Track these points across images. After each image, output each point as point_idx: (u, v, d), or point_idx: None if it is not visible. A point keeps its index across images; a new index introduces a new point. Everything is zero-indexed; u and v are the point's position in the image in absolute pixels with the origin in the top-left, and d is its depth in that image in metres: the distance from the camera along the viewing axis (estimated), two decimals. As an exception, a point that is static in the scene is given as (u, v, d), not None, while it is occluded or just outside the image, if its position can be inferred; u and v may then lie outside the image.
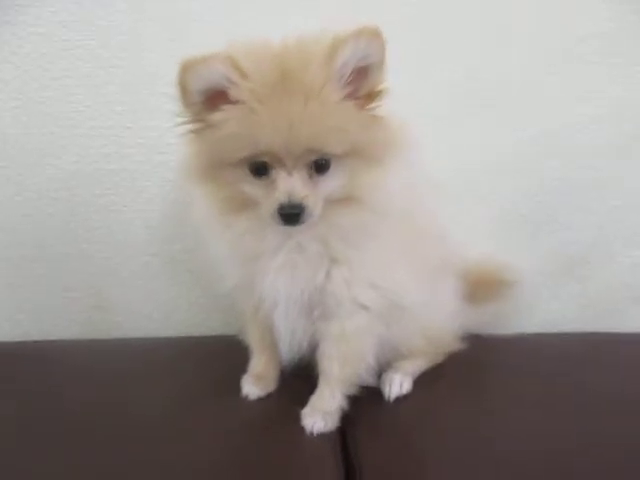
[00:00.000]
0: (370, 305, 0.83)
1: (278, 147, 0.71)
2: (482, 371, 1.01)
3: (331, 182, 0.76)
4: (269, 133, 0.71)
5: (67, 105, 1.07)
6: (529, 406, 0.88)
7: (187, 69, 0.71)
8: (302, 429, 0.83)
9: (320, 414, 0.84)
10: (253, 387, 0.91)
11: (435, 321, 0.96)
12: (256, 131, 0.71)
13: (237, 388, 0.92)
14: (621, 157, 1.15)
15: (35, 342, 1.12)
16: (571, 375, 0.98)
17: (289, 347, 0.88)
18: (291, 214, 0.73)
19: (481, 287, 1.09)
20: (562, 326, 1.21)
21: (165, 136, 1.07)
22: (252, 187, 0.75)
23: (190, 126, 0.76)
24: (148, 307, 1.17)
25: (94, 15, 1.05)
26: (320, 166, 0.75)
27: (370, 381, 0.89)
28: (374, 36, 0.71)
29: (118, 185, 1.10)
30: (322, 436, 0.82)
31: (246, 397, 0.90)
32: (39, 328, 1.15)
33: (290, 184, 0.73)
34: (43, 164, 1.09)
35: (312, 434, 0.82)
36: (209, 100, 0.73)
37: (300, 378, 0.92)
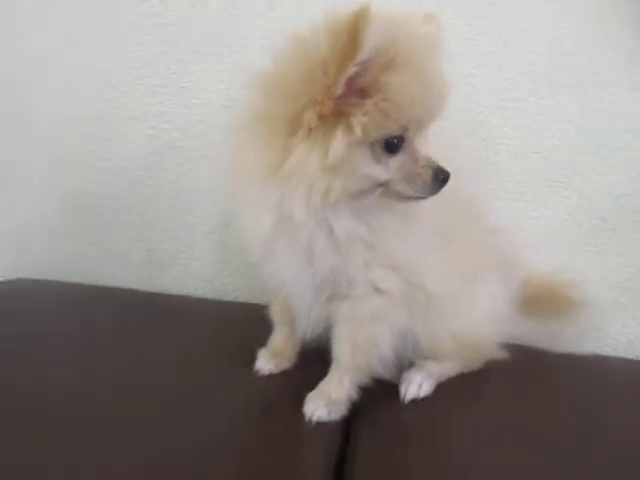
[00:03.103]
0: (388, 289, 0.76)
1: (428, 111, 0.68)
2: (521, 388, 0.89)
3: None
4: (430, 95, 0.66)
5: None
6: (565, 438, 0.77)
7: (367, 18, 0.58)
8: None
9: (324, 401, 0.78)
10: (267, 363, 0.88)
11: (470, 322, 0.87)
12: (422, 94, 0.65)
13: (254, 360, 0.89)
14: None
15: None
16: (627, 408, 0.85)
17: (305, 326, 0.83)
18: (447, 178, 0.69)
19: (541, 301, 0.97)
20: (640, 352, 1.05)
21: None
22: (381, 167, 0.67)
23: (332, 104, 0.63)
24: (196, 266, 1.18)
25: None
26: None
27: (386, 375, 0.82)
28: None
29: (171, 145, 1.10)
30: (323, 426, 0.77)
31: (257, 372, 0.87)
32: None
33: (427, 151, 0.69)
34: (104, 117, 1.12)
35: (311, 422, 0.77)
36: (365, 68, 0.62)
37: (320, 360, 0.85)
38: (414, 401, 0.82)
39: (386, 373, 0.82)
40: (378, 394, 0.81)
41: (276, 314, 0.91)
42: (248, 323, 1.01)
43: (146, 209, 1.16)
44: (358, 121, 0.63)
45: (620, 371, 0.99)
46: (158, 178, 1.13)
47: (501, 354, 0.91)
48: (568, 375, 0.95)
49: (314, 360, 0.86)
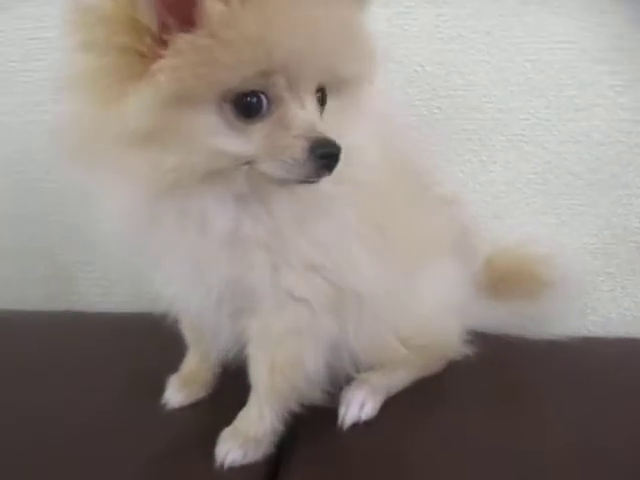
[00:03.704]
0: (307, 296, 0.60)
1: (299, 60, 0.49)
2: (492, 391, 0.73)
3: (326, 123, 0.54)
4: (292, 37, 0.48)
5: None
6: (554, 454, 0.61)
7: None
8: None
9: (240, 440, 0.63)
10: (176, 392, 0.72)
11: (421, 320, 0.71)
12: (274, 33, 0.47)
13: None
14: None
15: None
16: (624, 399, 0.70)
17: (217, 347, 0.68)
18: (332, 154, 0.50)
19: (509, 281, 0.82)
20: (633, 331, 0.89)
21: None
22: (236, 139, 0.50)
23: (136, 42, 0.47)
24: (109, 279, 1.01)
25: None
26: (320, 100, 0.54)
27: (318, 399, 0.66)
28: None
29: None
30: (240, 470, 0.61)
31: (165, 404, 0.71)
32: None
33: (308, 115, 0.51)
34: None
35: (223, 467, 0.61)
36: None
37: (244, 385, 0.68)
38: (356, 425, 0.67)
39: (318, 396, 0.66)
40: (312, 421, 0.65)
41: (187, 331, 0.75)
42: (170, 341, 0.85)
43: (49, 216, 0.99)
44: (165, 65, 0.46)
45: (612, 353, 0.83)
46: (57, 181, 0.95)
47: (465, 350, 0.76)
48: (551, 365, 0.79)
49: (236, 385, 0.69)
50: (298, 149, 0.50)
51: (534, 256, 0.82)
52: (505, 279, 0.82)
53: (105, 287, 1.02)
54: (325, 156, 0.50)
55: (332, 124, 0.54)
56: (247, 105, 0.49)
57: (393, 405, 0.70)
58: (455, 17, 0.80)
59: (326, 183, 0.54)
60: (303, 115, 0.51)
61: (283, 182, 0.52)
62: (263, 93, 0.49)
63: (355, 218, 0.60)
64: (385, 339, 0.69)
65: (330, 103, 0.55)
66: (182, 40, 0.46)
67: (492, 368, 0.77)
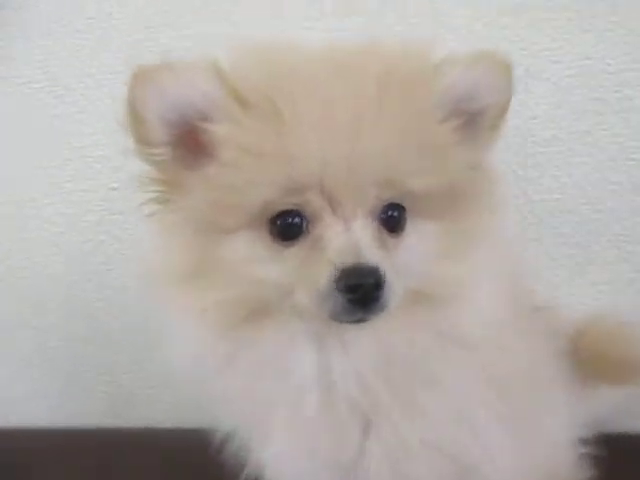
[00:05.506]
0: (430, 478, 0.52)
1: (332, 172, 0.41)
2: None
3: (409, 250, 0.46)
4: (316, 147, 0.41)
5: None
6: None
7: (142, 81, 0.42)
8: None
9: None
10: None
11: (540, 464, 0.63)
12: (294, 142, 0.41)
13: None
14: None
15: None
16: None
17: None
18: (365, 287, 0.40)
19: (601, 364, 0.73)
20: None
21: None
22: (274, 265, 0.44)
23: (153, 190, 0.46)
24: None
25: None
26: (392, 221, 0.45)
27: None
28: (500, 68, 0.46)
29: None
30: None
31: None
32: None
33: (352, 238, 0.42)
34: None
35: None
36: (183, 140, 0.44)
37: None
38: None
39: None
40: None
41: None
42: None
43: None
44: (184, 199, 0.44)
45: None
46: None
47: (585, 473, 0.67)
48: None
49: None
50: (323, 278, 0.41)
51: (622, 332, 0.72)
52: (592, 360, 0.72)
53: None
54: (352, 289, 0.40)
55: (420, 254, 0.46)
56: (282, 226, 0.43)
57: None
58: (550, 119, 0.73)
59: (423, 337, 0.47)
60: (344, 237, 0.42)
61: (321, 319, 0.43)
62: (299, 212, 0.42)
63: (474, 383, 0.52)
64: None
65: (426, 226, 0.47)
66: (196, 174, 0.43)
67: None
